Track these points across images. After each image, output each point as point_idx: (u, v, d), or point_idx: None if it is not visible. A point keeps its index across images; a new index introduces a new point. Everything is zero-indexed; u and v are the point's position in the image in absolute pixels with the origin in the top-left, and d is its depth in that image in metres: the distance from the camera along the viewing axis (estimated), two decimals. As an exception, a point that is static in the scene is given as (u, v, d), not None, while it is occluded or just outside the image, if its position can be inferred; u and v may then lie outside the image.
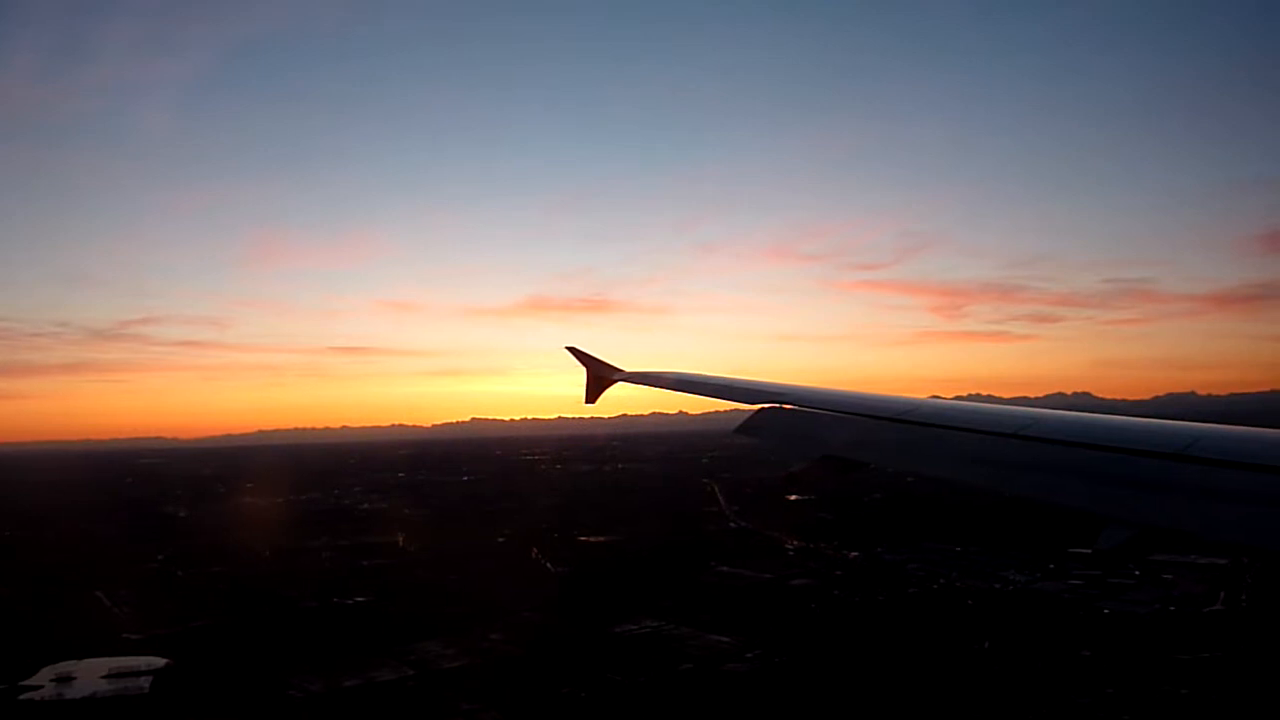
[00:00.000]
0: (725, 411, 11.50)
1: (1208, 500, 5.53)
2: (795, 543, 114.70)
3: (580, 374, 15.64)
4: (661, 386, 13.52)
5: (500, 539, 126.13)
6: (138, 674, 65.59)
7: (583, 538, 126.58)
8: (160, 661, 67.90)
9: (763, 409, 10.42)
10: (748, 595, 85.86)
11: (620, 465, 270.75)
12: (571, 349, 15.87)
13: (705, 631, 73.02)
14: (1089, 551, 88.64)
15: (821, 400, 10.18)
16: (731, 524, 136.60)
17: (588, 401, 15.75)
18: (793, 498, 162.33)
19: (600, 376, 15.17)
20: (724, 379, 12.68)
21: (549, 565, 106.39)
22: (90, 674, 65.71)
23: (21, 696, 61.61)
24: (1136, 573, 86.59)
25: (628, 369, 14.44)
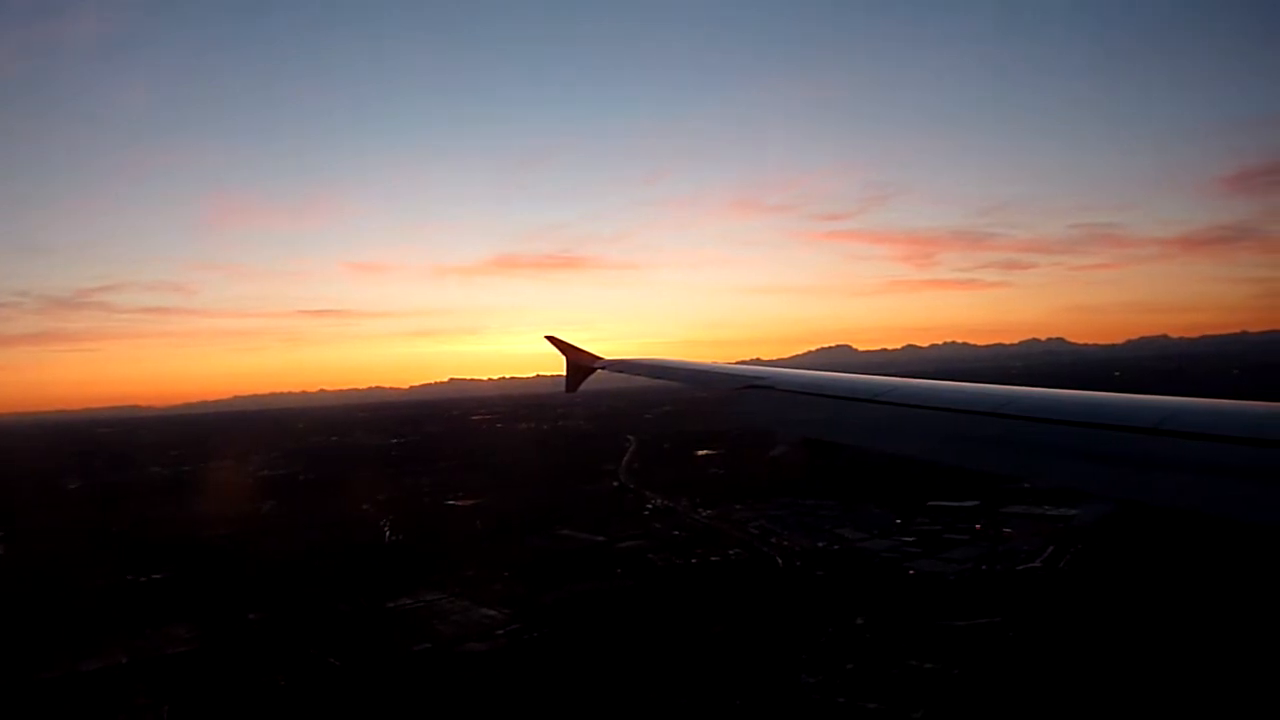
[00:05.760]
0: None
1: (1181, 473, 5.46)
2: (659, 502, 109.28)
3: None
4: (641, 374, 14.09)
5: (366, 505, 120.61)
6: None
7: (452, 501, 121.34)
8: None
9: (743, 392, 10.42)
10: (562, 560, 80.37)
11: (560, 423, 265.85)
12: (551, 338, 16.55)
13: (481, 605, 67.50)
14: (952, 504, 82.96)
15: (800, 383, 10.08)
16: (615, 483, 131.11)
17: (568, 391, 16.28)
18: (701, 454, 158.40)
19: (580, 365, 15.98)
20: (700, 365, 13.43)
21: (387, 534, 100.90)
22: None
23: None
24: (977, 527, 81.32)
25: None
